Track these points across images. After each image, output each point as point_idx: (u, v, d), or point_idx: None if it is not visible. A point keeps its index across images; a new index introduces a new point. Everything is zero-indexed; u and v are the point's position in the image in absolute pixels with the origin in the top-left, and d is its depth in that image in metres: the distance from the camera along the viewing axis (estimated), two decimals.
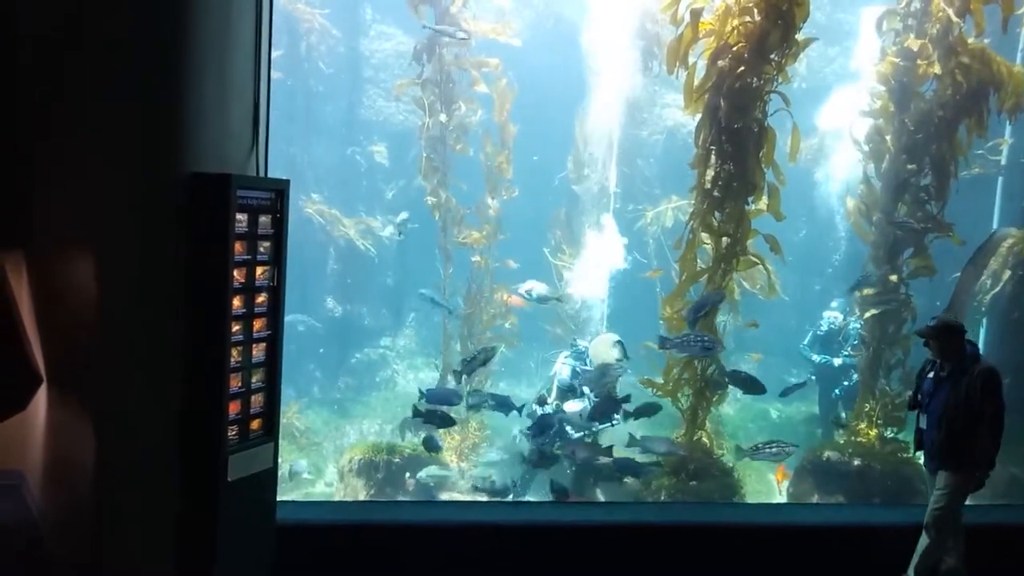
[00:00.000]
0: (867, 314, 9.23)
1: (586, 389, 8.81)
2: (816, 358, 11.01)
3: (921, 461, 6.42)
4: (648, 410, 8.54)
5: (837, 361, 10.81)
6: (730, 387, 8.75)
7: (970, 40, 8.68)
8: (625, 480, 8.43)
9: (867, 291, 9.23)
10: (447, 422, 8.46)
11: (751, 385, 8.45)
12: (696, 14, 8.00)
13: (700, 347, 7.86)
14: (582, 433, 8.74)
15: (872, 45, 9.48)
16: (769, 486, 9.48)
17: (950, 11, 8.56)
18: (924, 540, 5.93)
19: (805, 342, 11.25)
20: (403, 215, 10.86)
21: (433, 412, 8.30)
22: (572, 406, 8.82)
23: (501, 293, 10.59)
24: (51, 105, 3.97)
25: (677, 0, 8.13)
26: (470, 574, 6.18)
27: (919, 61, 8.79)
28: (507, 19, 11.29)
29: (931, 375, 5.98)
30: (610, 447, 8.34)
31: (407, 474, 8.93)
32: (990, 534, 6.55)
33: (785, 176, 8.36)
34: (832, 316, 11.13)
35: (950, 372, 5.83)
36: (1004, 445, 7.88)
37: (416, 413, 8.44)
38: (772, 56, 7.94)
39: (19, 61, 3.93)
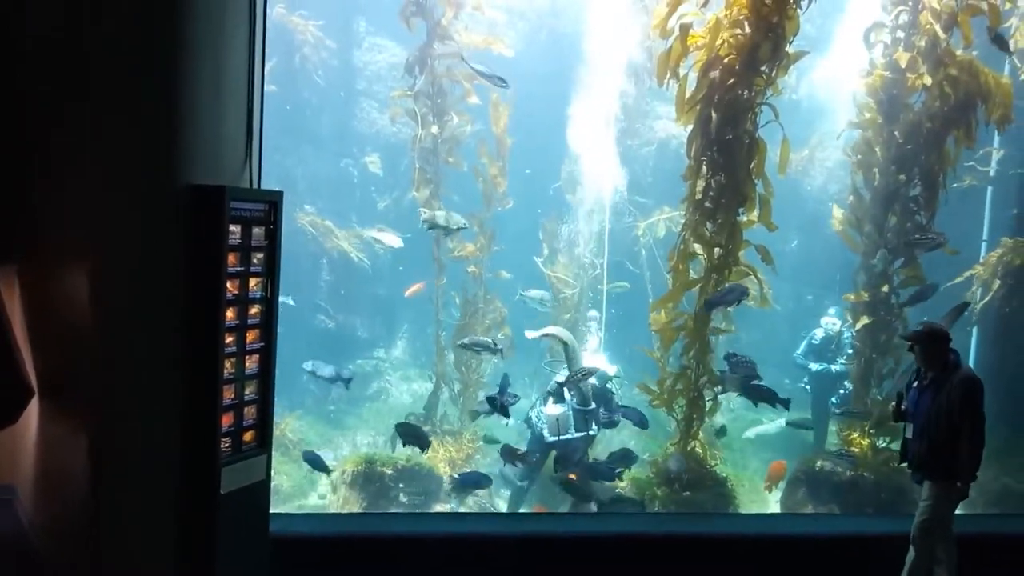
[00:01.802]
0: (859, 323, 9.27)
1: (567, 394, 8.82)
2: (814, 366, 11.01)
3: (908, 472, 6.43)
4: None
5: (836, 367, 10.81)
6: (724, 396, 8.81)
7: (958, 52, 8.76)
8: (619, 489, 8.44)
9: (860, 295, 9.26)
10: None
11: (769, 397, 8.52)
12: (685, 28, 8.06)
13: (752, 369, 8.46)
14: (555, 439, 8.73)
15: (861, 57, 9.56)
16: (762, 496, 9.49)
17: (937, 26, 8.64)
18: (912, 553, 5.93)
19: (799, 351, 11.26)
20: (461, 222, 9.91)
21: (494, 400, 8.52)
22: (552, 410, 8.82)
23: (413, 286, 10.64)
24: (46, 115, 3.98)
25: (668, 14, 8.20)
26: None
27: (908, 74, 8.87)
28: (500, 31, 11.35)
29: (915, 384, 5.98)
30: (522, 453, 8.49)
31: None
32: (983, 544, 6.57)
33: (773, 188, 8.39)
34: (830, 322, 11.13)
35: (932, 380, 5.83)
36: (995, 455, 7.90)
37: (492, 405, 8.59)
38: (763, 68, 8.01)
39: (17, 66, 3.95)
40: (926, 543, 5.85)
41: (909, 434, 5.97)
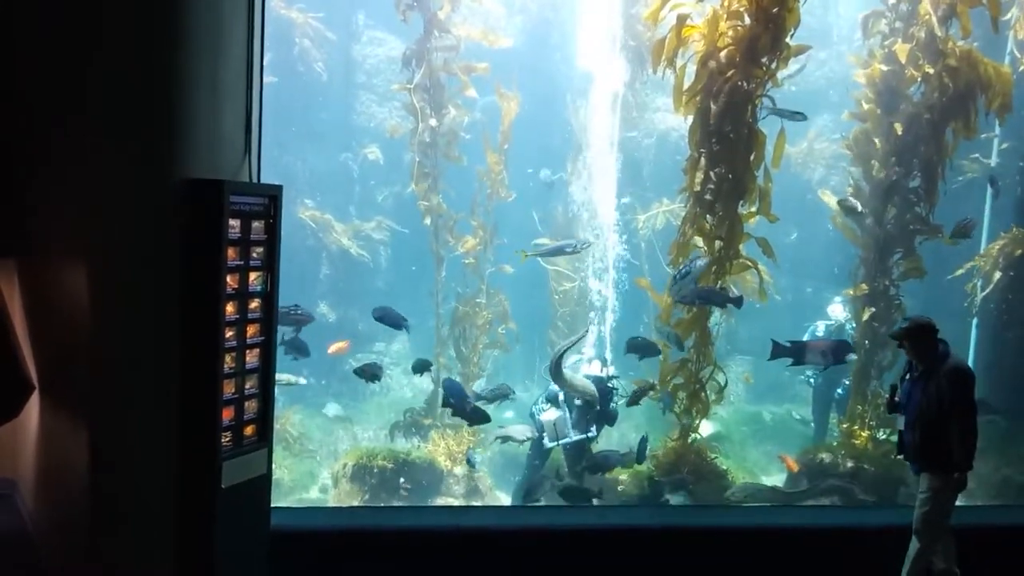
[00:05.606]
0: (865, 315, 9.24)
1: (561, 398, 8.83)
2: None
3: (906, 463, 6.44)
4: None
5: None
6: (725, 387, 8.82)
7: (958, 43, 8.73)
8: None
9: (860, 289, 9.24)
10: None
11: (646, 350, 8.67)
12: (682, 18, 8.03)
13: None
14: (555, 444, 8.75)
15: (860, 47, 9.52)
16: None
17: (934, 19, 8.60)
18: (913, 545, 5.93)
19: None
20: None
21: None
22: (548, 415, 8.83)
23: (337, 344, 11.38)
24: (44, 111, 3.97)
25: (660, 5, 8.18)
26: None
27: (907, 66, 8.84)
28: (499, 24, 11.31)
29: (908, 376, 5.99)
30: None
31: None
32: (983, 535, 6.58)
33: (772, 182, 8.35)
34: (837, 311, 11.06)
35: (922, 372, 5.84)
36: (995, 446, 7.86)
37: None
38: (763, 60, 7.98)
39: (14, 64, 3.94)
40: (929, 534, 5.87)
41: (901, 426, 6.00)
